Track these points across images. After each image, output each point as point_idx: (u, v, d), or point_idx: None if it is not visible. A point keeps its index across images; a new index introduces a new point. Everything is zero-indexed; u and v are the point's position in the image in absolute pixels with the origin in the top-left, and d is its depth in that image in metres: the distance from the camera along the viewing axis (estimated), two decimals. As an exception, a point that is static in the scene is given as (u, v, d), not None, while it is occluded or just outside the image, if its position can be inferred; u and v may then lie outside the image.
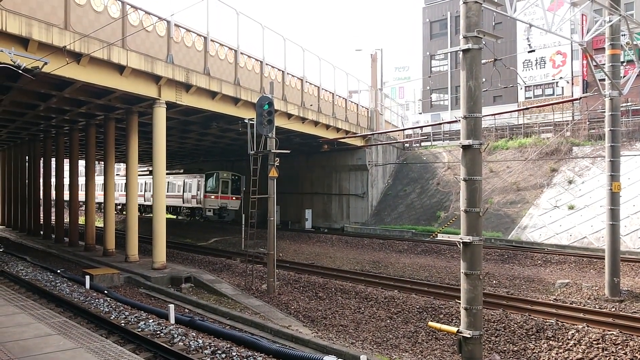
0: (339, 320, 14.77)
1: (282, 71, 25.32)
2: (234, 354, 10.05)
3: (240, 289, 18.00)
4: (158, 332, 11.58)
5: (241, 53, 22.30)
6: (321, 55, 29.63)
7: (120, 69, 17.48)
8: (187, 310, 15.26)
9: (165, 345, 10.33)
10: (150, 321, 12.40)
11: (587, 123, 31.51)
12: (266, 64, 23.98)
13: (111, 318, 12.70)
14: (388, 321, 14.43)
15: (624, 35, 16.16)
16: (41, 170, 34.93)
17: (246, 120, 18.95)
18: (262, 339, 11.95)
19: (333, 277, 19.39)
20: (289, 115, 25.87)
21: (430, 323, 10.49)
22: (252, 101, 21.64)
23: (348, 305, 15.94)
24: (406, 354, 12.12)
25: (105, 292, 16.56)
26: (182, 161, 50.13)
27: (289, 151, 19.06)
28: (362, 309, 15.50)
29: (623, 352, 10.84)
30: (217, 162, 45.60)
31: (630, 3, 35.54)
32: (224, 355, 10.00)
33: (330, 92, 30.01)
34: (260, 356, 10.10)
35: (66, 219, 34.84)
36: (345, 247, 26.28)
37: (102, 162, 32.49)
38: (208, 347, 10.51)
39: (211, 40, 20.62)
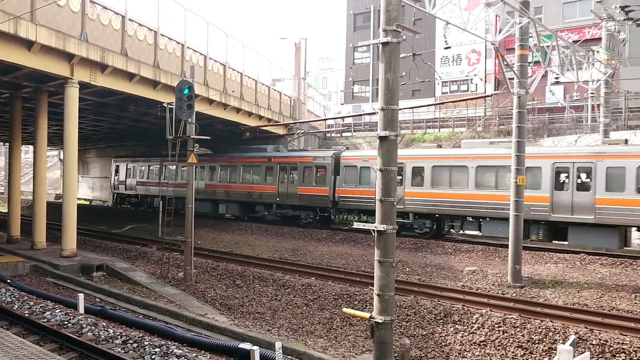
0: (256, 308, 14.82)
1: (205, 56, 24.79)
2: (146, 343, 9.85)
3: (156, 277, 17.62)
4: (65, 322, 11.10)
5: (161, 35, 21.61)
6: (245, 42, 29.27)
7: (28, 44, 16.43)
8: (98, 300, 14.76)
9: (73, 336, 9.95)
10: (58, 311, 11.87)
11: (497, 119, 33.26)
12: (188, 48, 23.38)
13: (14, 308, 12.03)
14: (304, 308, 14.64)
15: (532, 37, 17.13)
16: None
17: (165, 104, 18.46)
18: (177, 327, 11.80)
19: (251, 264, 19.37)
20: (211, 101, 25.41)
21: (344, 309, 10.75)
22: (172, 85, 21.05)
23: (265, 292, 16.01)
24: (321, 339, 12.37)
25: (8, 281, 15.62)
26: (96, 145, 47.93)
27: (209, 137, 18.74)
28: (280, 296, 15.62)
29: (521, 334, 11.63)
30: (134, 146, 43.98)
31: (539, 7, 37.74)
32: (135, 345, 9.77)
33: (253, 79, 29.74)
34: (173, 345, 9.95)
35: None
36: (265, 235, 26.27)
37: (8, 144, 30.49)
38: (119, 337, 10.22)
39: (129, 19, 19.83)
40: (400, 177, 23.25)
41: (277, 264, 19.49)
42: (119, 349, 9.59)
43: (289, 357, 9.94)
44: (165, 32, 21.94)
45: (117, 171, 40.89)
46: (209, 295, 15.88)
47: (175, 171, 32.20)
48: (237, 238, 25.99)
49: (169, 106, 17.97)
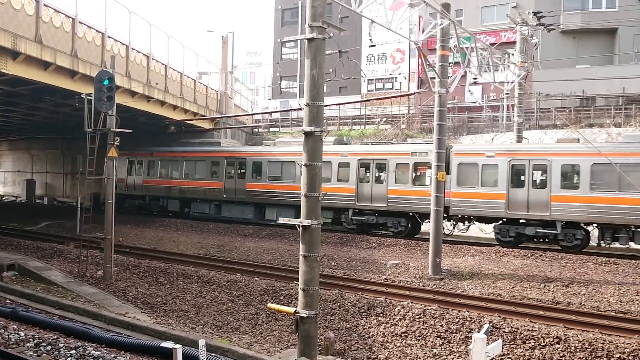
0: (180, 306, 14.54)
1: (127, 46, 23.89)
2: (62, 345, 9.43)
3: (73, 276, 16.88)
4: (-29, 326, 10.43)
5: (80, 22, 20.59)
6: (170, 33, 28.38)
7: None
8: (9, 301, 13.96)
9: (-21, 340, 9.36)
10: (-38, 314, 11.13)
11: (420, 117, 34.33)
12: (109, 37, 22.43)
13: None
14: (229, 304, 14.53)
15: (452, 38, 17.78)
16: None
17: (84, 96, 17.70)
18: (95, 328, 11.38)
19: (175, 261, 18.95)
20: (133, 93, 24.54)
21: (269, 305, 10.77)
22: (92, 75, 20.10)
23: (190, 289, 15.74)
24: (246, 335, 12.32)
25: None
26: (8, 137, 45.08)
27: (130, 130, 18.12)
28: (204, 293, 15.40)
29: (440, 324, 12.11)
30: (50, 139, 41.71)
31: (460, 10, 39.29)
32: (49, 347, 9.33)
33: (178, 72, 28.99)
34: (91, 346, 9.58)
35: None
36: (190, 231, 25.78)
37: None
38: (31, 339, 9.73)
39: (44, 5, 18.76)
40: (543, 179, 19.60)
41: (202, 261, 19.20)
42: (31, 352, 9.12)
43: (213, 354, 9.84)
44: (85, 20, 20.97)
45: None
46: (130, 293, 15.41)
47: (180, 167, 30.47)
48: (161, 234, 25.35)
49: (88, 97, 17.27)
